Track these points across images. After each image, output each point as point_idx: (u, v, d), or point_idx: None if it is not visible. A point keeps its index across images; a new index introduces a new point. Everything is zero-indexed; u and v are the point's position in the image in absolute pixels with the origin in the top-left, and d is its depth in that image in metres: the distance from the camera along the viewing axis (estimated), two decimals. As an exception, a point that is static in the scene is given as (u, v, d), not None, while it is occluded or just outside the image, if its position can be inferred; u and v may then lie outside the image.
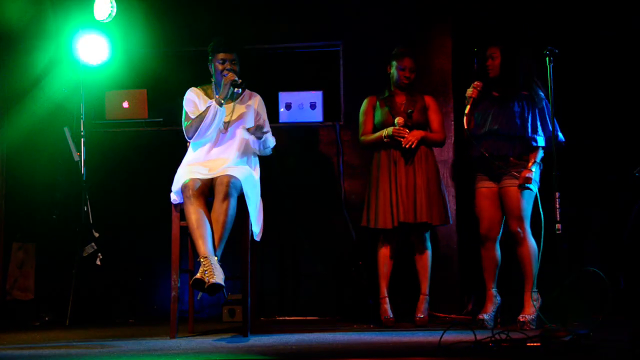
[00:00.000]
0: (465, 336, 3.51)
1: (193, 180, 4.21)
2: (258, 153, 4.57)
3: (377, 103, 4.99)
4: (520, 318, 4.51)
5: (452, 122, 5.44)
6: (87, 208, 5.46)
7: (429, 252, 4.90)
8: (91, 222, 5.46)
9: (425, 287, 4.89)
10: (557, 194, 4.01)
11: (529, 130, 4.57)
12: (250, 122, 4.53)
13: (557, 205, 4.01)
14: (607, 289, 4.16)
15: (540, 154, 4.58)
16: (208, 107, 4.39)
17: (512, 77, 4.63)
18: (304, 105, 5.61)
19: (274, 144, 4.61)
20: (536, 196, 4.49)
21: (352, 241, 5.47)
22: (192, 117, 4.46)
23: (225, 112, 4.46)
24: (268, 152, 4.61)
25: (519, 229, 4.56)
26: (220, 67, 4.48)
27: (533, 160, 4.55)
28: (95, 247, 5.39)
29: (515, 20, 5.41)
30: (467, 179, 5.08)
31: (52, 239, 5.63)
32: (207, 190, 4.24)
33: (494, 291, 4.69)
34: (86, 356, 3.50)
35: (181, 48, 5.83)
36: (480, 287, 4.81)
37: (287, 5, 5.73)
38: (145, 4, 5.73)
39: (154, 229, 5.30)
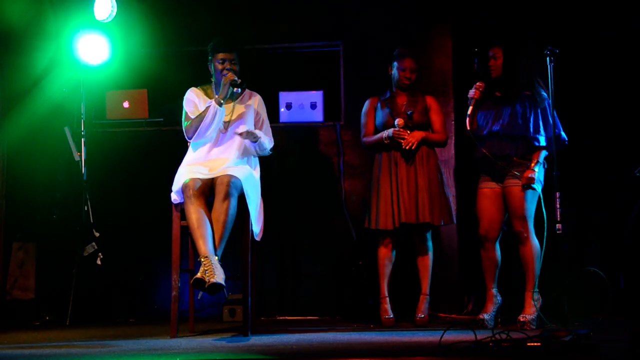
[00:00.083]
0: (466, 336, 3.51)
1: (193, 180, 4.21)
2: (255, 155, 4.56)
3: (379, 104, 4.99)
4: (521, 318, 4.51)
5: (453, 122, 5.44)
6: (88, 208, 5.47)
7: (430, 252, 4.90)
8: (91, 221, 5.46)
9: (425, 287, 4.90)
10: (557, 194, 4.01)
11: (531, 130, 4.57)
12: (250, 122, 4.53)
13: (558, 205, 4.01)
14: (607, 289, 4.16)
15: (544, 153, 4.57)
16: (208, 107, 4.39)
17: (514, 77, 4.63)
18: (304, 105, 5.62)
19: (271, 145, 4.59)
20: (539, 196, 4.49)
21: (352, 241, 5.48)
22: (192, 117, 4.46)
23: (225, 112, 4.46)
24: (267, 152, 4.60)
25: (522, 229, 4.56)
26: (220, 66, 4.48)
27: (536, 160, 4.55)
28: (96, 247, 5.39)
29: (516, 20, 5.41)
30: (468, 179, 5.09)
31: (53, 238, 5.63)
32: (207, 190, 4.24)
33: (494, 291, 4.69)
34: (87, 356, 3.50)
35: (181, 48, 5.83)
36: (481, 287, 4.82)
37: (288, 5, 5.73)
38: (145, 4, 5.73)
39: (155, 229, 5.30)
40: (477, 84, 4.69)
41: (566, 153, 4.59)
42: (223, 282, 3.88)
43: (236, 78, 4.41)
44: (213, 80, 4.58)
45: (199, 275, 3.89)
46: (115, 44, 5.65)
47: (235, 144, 4.46)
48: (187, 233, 4.21)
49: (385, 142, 4.85)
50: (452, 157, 5.44)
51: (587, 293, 4.55)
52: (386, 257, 4.90)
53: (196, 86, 4.62)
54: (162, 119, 5.75)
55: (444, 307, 5.19)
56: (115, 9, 5.46)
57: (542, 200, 4.40)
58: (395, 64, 4.95)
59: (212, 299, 5.30)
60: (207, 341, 4.03)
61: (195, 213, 4.09)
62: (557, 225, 3.97)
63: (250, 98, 4.62)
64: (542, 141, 4.56)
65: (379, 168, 4.91)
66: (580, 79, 5.34)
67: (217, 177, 4.24)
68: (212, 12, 5.72)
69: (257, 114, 4.59)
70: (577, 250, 5.30)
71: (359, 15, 5.67)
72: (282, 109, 5.64)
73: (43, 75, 5.66)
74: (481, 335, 3.38)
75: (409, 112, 4.88)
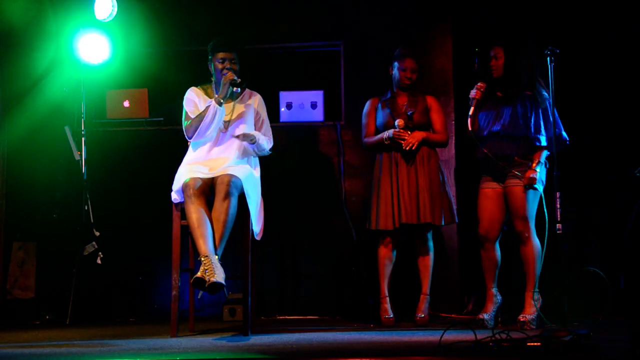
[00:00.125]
0: (466, 336, 3.51)
1: (194, 179, 4.21)
2: (255, 155, 4.56)
3: (379, 104, 4.99)
4: (521, 318, 4.51)
5: (453, 122, 5.45)
6: (88, 207, 5.47)
7: (431, 252, 4.91)
8: (92, 221, 5.46)
9: (426, 286, 4.90)
10: (557, 194, 4.01)
11: (532, 130, 4.57)
12: (250, 122, 4.53)
13: (558, 205, 4.01)
14: (607, 289, 4.16)
15: (545, 153, 4.56)
16: (207, 107, 4.39)
17: (515, 77, 4.62)
18: (304, 105, 5.62)
19: (270, 145, 4.57)
20: (541, 196, 4.49)
21: (352, 241, 5.48)
22: (192, 116, 4.46)
23: (225, 112, 4.45)
24: (266, 153, 4.59)
25: (523, 229, 4.56)
26: (219, 66, 4.48)
27: (537, 160, 4.54)
28: (96, 246, 5.40)
29: (516, 20, 5.41)
30: (468, 179, 5.09)
31: (53, 238, 5.63)
32: (207, 190, 4.24)
33: (494, 291, 4.69)
34: (87, 355, 3.50)
35: (182, 47, 5.83)
36: (481, 287, 4.82)
37: (288, 5, 5.73)
38: (146, 3, 5.73)
39: (155, 228, 5.31)
40: (479, 84, 4.68)
41: (566, 153, 4.59)
42: (223, 282, 3.89)
43: (236, 77, 4.41)
44: (213, 79, 4.58)
45: (199, 274, 3.89)
46: (116, 44, 5.65)
47: (235, 143, 4.47)
48: (187, 232, 4.21)
49: (386, 142, 4.85)
50: (453, 157, 5.44)
51: (587, 293, 4.55)
52: (386, 257, 4.90)
53: (196, 86, 4.62)
54: (162, 119, 5.76)
55: (444, 307, 5.20)
56: (115, 9, 5.46)
57: (543, 201, 4.40)
58: (396, 64, 4.95)
59: (212, 298, 5.30)
60: (207, 340, 4.03)
61: (196, 212, 4.09)
62: (557, 225, 3.97)
63: (250, 97, 4.62)
64: (543, 141, 4.56)
65: (380, 169, 4.91)
66: (580, 79, 5.34)
67: (217, 177, 4.24)
68: (213, 11, 5.72)
69: (257, 113, 4.59)
70: (577, 250, 5.30)
71: (360, 15, 5.67)
72: (283, 109, 5.64)
73: (43, 75, 5.67)
74: (481, 335, 3.38)
75: (409, 113, 4.88)
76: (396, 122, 4.84)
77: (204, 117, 4.37)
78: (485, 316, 4.63)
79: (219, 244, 4.05)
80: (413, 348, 3.62)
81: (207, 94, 4.55)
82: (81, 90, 5.61)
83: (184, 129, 4.49)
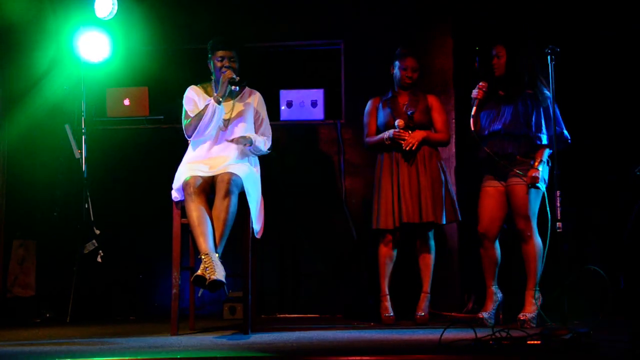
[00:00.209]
0: (466, 334, 3.51)
1: (194, 177, 4.21)
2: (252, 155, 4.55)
3: (380, 104, 4.99)
4: (521, 316, 4.51)
5: (454, 121, 5.45)
6: (88, 205, 5.47)
7: (432, 251, 4.91)
8: (92, 219, 5.46)
9: (426, 285, 4.90)
10: (557, 193, 4.02)
11: (534, 128, 4.56)
12: (249, 120, 4.53)
13: (558, 204, 4.01)
14: (608, 288, 4.16)
15: (547, 152, 4.55)
16: (206, 106, 4.39)
17: (517, 76, 4.62)
18: (305, 103, 5.62)
19: (268, 145, 4.56)
20: (543, 195, 4.49)
21: (352, 239, 5.48)
22: (192, 115, 4.46)
23: (224, 110, 4.45)
24: (264, 152, 4.57)
25: (525, 228, 4.56)
26: (218, 64, 4.48)
27: (540, 159, 4.54)
28: (96, 245, 5.40)
29: (516, 19, 5.41)
30: (468, 178, 5.09)
31: (53, 236, 5.63)
32: (208, 188, 4.24)
33: (494, 288, 4.70)
34: (87, 353, 3.50)
35: (182, 46, 5.83)
36: (481, 286, 4.82)
37: (288, 4, 5.73)
38: (146, 1, 5.74)
39: (155, 227, 5.31)
40: (480, 84, 4.68)
41: (567, 152, 4.59)
42: (223, 279, 3.89)
43: (234, 76, 4.40)
44: (213, 78, 4.57)
45: (199, 272, 3.89)
46: (116, 42, 5.66)
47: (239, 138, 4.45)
48: (187, 230, 4.21)
49: (386, 143, 4.85)
50: (453, 156, 5.44)
51: (588, 292, 4.55)
52: (387, 255, 4.90)
53: (196, 84, 4.62)
54: (162, 117, 5.76)
55: (444, 306, 5.20)
56: (115, 7, 5.47)
57: (546, 199, 4.40)
58: (397, 63, 4.95)
59: (212, 296, 5.31)
60: (207, 339, 4.03)
61: (196, 210, 4.09)
62: (557, 224, 3.97)
63: (250, 96, 4.62)
64: (545, 140, 4.55)
65: (381, 168, 4.91)
66: (581, 78, 5.34)
67: (217, 175, 4.24)
68: (213, 10, 5.73)
69: (256, 112, 4.58)
70: (577, 250, 5.31)
71: (360, 14, 5.67)
72: (283, 107, 5.64)
73: (44, 73, 5.67)
74: (481, 333, 3.39)
75: (409, 112, 4.88)
76: (396, 122, 4.84)
77: (203, 115, 4.37)
78: (485, 315, 4.63)
79: (219, 242, 4.05)
80: (413, 346, 3.63)
81: (207, 92, 4.55)
82: (81, 89, 5.62)
83: (183, 127, 4.49)
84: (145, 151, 5.72)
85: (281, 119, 5.63)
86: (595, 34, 5.35)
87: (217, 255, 3.97)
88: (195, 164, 4.38)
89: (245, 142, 4.38)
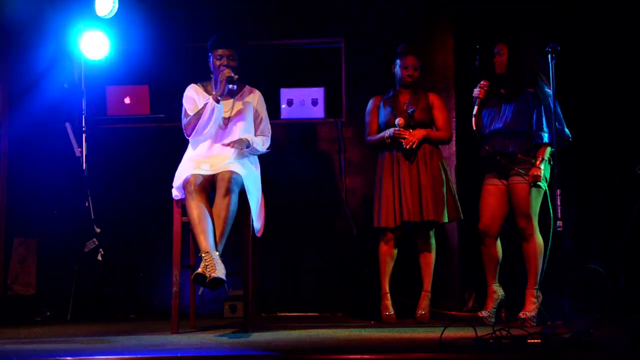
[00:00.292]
0: (466, 333, 3.51)
1: (195, 175, 4.21)
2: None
3: (381, 103, 4.99)
4: (521, 315, 4.51)
5: (454, 119, 5.44)
6: (89, 204, 5.47)
7: (433, 250, 4.91)
8: (92, 217, 5.46)
9: (427, 284, 4.90)
10: (558, 192, 4.01)
11: (535, 126, 4.56)
12: (249, 119, 4.52)
13: (559, 203, 4.01)
14: (608, 286, 4.16)
15: (549, 150, 4.54)
16: (205, 105, 4.39)
17: (518, 74, 4.62)
18: (305, 102, 5.62)
19: (267, 145, 4.55)
20: (545, 193, 4.49)
21: (353, 237, 5.48)
22: (191, 114, 4.46)
23: (223, 109, 4.44)
24: (263, 152, 4.57)
25: (526, 226, 4.55)
26: (217, 63, 4.47)
27: (541, 158, 4.54)
28: (97, 243, 5.39)
29: (517, 17, 5.41)
30: (469, 176, 5.09)
31: (54, 234, 5.63)
32: (208, 186, 4.24)
33: (495, 287, 4.69)
34: (87, 351, 3.50)
35: (183, 44, 5.83)
36: (481, 284, 4.82)
37: (289, 2, 5.73)
38: (147, 0, 5.73)
39: (155, 225, 5.31)
40: (482, 82, 4.68)
41: (567, 152, 4.59)
42: (224, 277, 3.89)
43: (233, 74, 4.40)
44: (213, 76, 4.57)
45: (199, 270, 3.89)
46: (117, 40, 5.65)
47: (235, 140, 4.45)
48: (188, 229, 4.21)
49: (387, 141, 4.85)
50: (453, 154, 5.44)
51: (588, 290, 4.55)
52: (387, 254, 4.90)
53: (196, 83, 4.61)
54: (163, 115, 5.75)
55: (445, 304, 5.19)
56: (116, 5, 5.46)
57: (548, 198, 4.40)
58: (398, 61, 4.94)
59: (212, 295, 5.31)
60: (208, 337, 4.04)
61: (197, 209, 4.10)
62: (557, 222, 3.97)
63: (250, 95, 4.61)
64: (546, 138, 4.55)
65: (382, 167, 4.91)
66: (581, 77, 5.33)
67: (218, 173, 4.24)
68: (214, 8, 5.72)
69: (255, 111, 4.57)
70: (577, 249, 5.30)
71: (361, 12, 5.66)
72: (283, 106, 5.64)
73: (45, 71, 5.66)
74: (482, 332, 3.39)
75: (410, 111, 4.88)
76: (396, 121, 4.84)
77: (201, 114, 4.37)
78: (485, 313, 4.63)
79: (219, 241, 4.05)
80: (414, 345, 3.63)
81: (206, 91, 4.55)
82: (82, 87, 5.61)
83: (183, 126, 4.49)
84: (145, 149, 5.72)
85: (282, 117, 5.63)
86: (595, 33, 5.35)
87: (217, 253, 3.98)
88: (195, 162, 4.38)
89: (241, 146, 4.37)
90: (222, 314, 5.26)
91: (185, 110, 4.51)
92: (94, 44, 5.54)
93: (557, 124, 4.36)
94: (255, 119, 4.57)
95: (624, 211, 4.99)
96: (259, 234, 4.43)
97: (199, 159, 4.40)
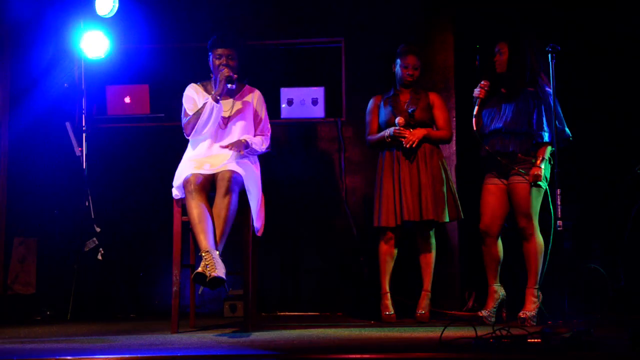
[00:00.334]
0: (466, 332, 3.52)
1: (195, 175, 4.22)
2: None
3: (382, 102, 4.99)
4: (521, 314, 4.51)
5: (454, 119, 5.44)
6: (89, 203, 5.47)
7: (433, 250, 4.91)
8: (92, 217, 5.46)
9: (427, 283, 4.90)
10: (558, 191, 4.01)
11: (535, 126, 4.56)
12: (249, 118, 4.52)
13: (559, 202, 4.01)
14: (608, 286, 4.16)
15: (549, 150, 4.54)
16: (205, 104, 4.39)
17: (519, 73, 4.62)
18: (305, 101, 5.62)
19: (266, 145, 4.54)
20: (546, 192, 4.49)
21: (353, 237, 5.48)
22: (190, 113, 4.46)
23: (222, 108, 4.44)
24: (263, 152, 4.56)
25: (526, 226, 4.55)
26: (217, 62, 4.47)
27: (542, 157, 4.54)
28: (97, 242, 5.39)
29: (517, 17, 5.41)
30: (469, 176, 5.08)
31: (54, 234, 5.63)
32: (208, 185, 4.24)
33: (496, 286, 4.69)
34: (87, 351, 3.50)
35: (183, 43, 5.83)
36: (482, 284, 4.82)
37: (289, 2, 5.73)
38: (147, -1, 5.75)
39: (156, 224, 5.30)
40: (482, 82, 4.67)
41: (567, 151, 4.59)
42: (224, 276, 3.89)
43: (232, 74, 4.40)
44: (212, 76, 4.57)
45: (200, 269, 3.89)
46: (117, 39, 5.65)
47: (234, 140, 4.44)
48: (188, 228, 4.21)
49: (387, 141, 4.85)
50: (454, 154, 5.44)
51: (588, 290, 4.55)
52: (387, 253, 4.90)
53: (196, 82, 4.61)
54: (163, 115, 5.76)
55: (445, 304, 5.20)
56: (116, 5, 5.46)
57: (549, 197, 4.40)
58: (398, 61, 4.94)
59: (212, 294, 5.31)
60: (208, 336, 4.03)
61: (197, 208, 4.10)
62: (557, 222, 3.97)
63: (249, 94, 4.61)
64: (546, 137, 4.55)
65: (382, 166, 4.91)
66: (582, 77, 5.33)
67: (218, 173, 4.24)
68: (214, 7, 5.73)
69: (255, 111, 4.57)
70: (578, 248, 5.31)
71: (361, 11, 5.67)
72: (284, 105, 5.64)
73: (45, 70, 5.66)
74: (482, 331, 3.39)
75: (410, 110, 4.88)
76: (396, 120, 4.84)
77: (201, 114, 4.37)
78: (485, 313, 4.63)
79: (219, 240, 4.05)
80: (414, 344, 3.63)
81: (206, 90, 4.54)
82: (82, 86, 5.61)
83: (182, 125, 4.49)
84: (145, 149, 5.72)
85: (282, 117, 5.63)
86: (595, 33, 5.35)
87: (217, 252, 3.98)
88: (195, 161, 4.38)
89: (240, 149, 4.36)
90: (222, 314, 5.26)
91: (185, 109, 4.51)
92: (94, 44, 5.54)
93: (557, 123, 4.37)
94: (254, 118, 4.57)
95: (624, 211, 4.99)
96: (259, 234, 4.43)
97: (199, 159, 4.40)
